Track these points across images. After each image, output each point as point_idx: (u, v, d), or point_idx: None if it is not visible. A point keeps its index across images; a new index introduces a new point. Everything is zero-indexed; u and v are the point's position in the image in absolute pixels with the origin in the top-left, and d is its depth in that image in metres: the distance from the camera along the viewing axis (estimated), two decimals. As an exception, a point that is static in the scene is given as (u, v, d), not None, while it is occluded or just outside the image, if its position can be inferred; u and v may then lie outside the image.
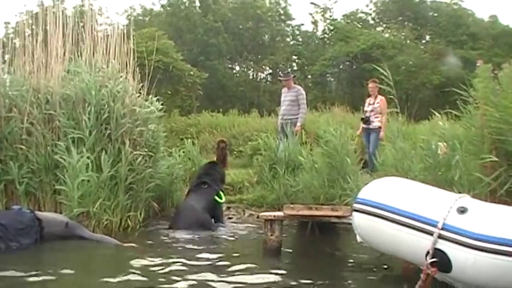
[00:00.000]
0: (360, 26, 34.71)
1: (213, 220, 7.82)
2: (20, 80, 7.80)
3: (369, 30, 33.59)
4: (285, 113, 10.65)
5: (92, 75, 7.57)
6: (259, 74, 36.29)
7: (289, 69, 29.46)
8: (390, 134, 7.13)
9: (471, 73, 5.56)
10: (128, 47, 8.05)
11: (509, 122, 4.72)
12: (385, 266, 5.22)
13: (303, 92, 10.85)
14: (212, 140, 15.33)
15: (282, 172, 8.64)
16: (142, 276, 4.72)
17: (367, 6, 37.12)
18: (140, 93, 8.07)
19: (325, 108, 19.81)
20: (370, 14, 37.37)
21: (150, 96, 8.22)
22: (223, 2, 34.56)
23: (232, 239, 7.02)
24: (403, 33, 33.29)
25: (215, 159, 12.27)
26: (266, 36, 36.08)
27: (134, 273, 4.82)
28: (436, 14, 35.14)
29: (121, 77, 7.88)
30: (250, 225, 8.14)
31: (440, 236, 3.88)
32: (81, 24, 8.25)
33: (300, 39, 37.39)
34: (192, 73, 24.40)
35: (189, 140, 10.51)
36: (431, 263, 3.91)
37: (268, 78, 35.74)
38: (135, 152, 7.38)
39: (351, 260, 5.85)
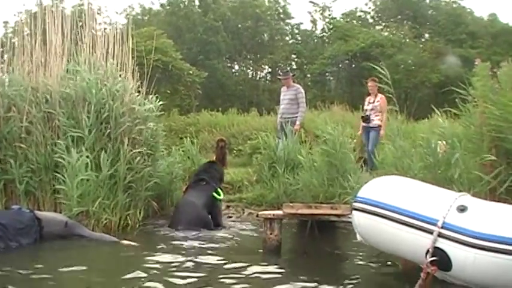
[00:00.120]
0: (359, 25, 34.72)
1: (209, 216, 7.81)
2: (19, 79, 7.79)
3: (368, 29, 33.59)
4: (284, 112, 10.65)
5: (92, 73, 7.57)
6: (259, 73, 36.30)
7: (289, 68, 29.48)
8: (390, 133, 7.13)
9: (470, 72, 5.56)
10: (127, 46, 8.04)
11: (509, 120, 4.73)
12: (389, 263, 5.22)
13: (302, 91, 10.85)
14: (211, 139, 15.33)
15: (281, 171, 8.63)
16: (143, 274, 4.72)
17: (366, 4, 37.17)
18: (139, 91, 8.07)
19: (324, 107, 19.80)
20: (369, 13, 37.39)
21: (150, 96, 8.22)
22: (222, 1, 34.55)
23: (232, 237, 7.02)
24: (402, 32, 33.30)
25: (214, 158, 12.28)
26: (265, 35, 36.09)
27: (134, 271, 4.81)
28: (435, 13, 35.15)
29: (120, 75, 7.87)
30: (249, 224, 8.14)
31: (440, 235, 3.89)
32: (80, 23, 8.24)
33: (299, 38, 37.39)
34: (191, 72, 24.41)
35: (188, 139, 10.49)
36: (431, 261, 3.91)
37: (268, 77, 35.75)
38: (134, 151, 7.38)
39: (351, 259, 5.86)
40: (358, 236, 4.74)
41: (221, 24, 32.74)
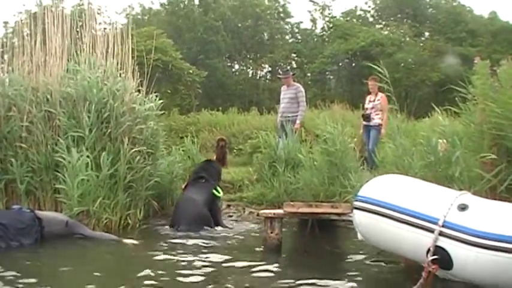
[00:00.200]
0: (359, 24, 34.70)
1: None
2: (19, 79, 7.79)
3: (368, 27, 33.56)
4: (285, 111, 10.64)
5: (92, 73, 7.57)
6: (259, 72, 36.27)
7: (289, 67, 29.46)
8: (390, 131, 7.14)
9: (470, 70, 5.56)
10: (127, 46, 8.05)
11: (510, 118, 4.73)
12: (390, 262, 5.22)
13: (302, 90, 10.84)
14: (212, 139, 15.32)
15: (281, 170, 8.63)
16: (144, 273, 4.72)
17: (366, 3, 37.13)
18: (139, 91, 8.08)
19: (324, 105, 19.76)
20: (369, 12, 37.36)
21: (151, 95, 8.22)
22: (222, 1, 34.54)
23: (233, 236, 7.02)
24: (402, 31, 33.26)
25: (215, 157, 12.30)
26: (265, 34, 36.07)
27: (135, 270, 4.82)
28: (435, 11, 35.13)
29: (120, 75, 7.88)
30: (250, 223, 8.14)
31: (441, 234, 3.89)
32: (80, 23, 8.24)
33: (299, 37, 37.37)
34: (191, 72, 24.40)
35: (189, 139, 10.49)
36: (433, 260, 3.91)
37: (268, 76, 35.72)
38: (134, 150, 7.38)
39: (351, 257, 5.85)
40: (359, 235, 4.75)
41: (221, 24, 32.72)
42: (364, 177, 6.62)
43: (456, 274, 3.93)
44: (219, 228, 7.55)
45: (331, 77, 34.80)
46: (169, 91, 22.26)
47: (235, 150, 14.96)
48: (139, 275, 4.67)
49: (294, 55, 35.82)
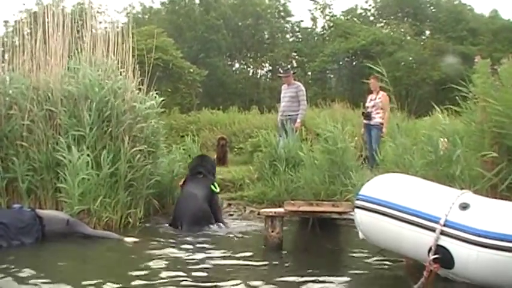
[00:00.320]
0: (359, 22, 34.68)
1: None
2: (20, 77, 7.79)
3: (369, 26, 33.55)
4: (285, 110, 10.63)
5: (93, 71, 7.57)
6: (259, 70, 36.28)
7: (289, 66, 29.44)
8: (390, 130, 7.14)
9: (470, 69, 5.55)
10: (128, 45, 8.04)
11: (511, 116, 4.72)
12: (391, 261, 5.22)
13: (303, 88, 10.83)
14: (212, 137, 15.33)
15: (282, 169, 8.63)
16: (144, 271, 4.72)
17: (366, 2, 37.12)
18: (140, 89, 8.08)
19: (325, 104, 19.76)
20: (370, 10, 37.34)
21: (151, 93, 8.23)
22: (223, 0, 34.55)
23: (233, 235, 7.02)
24: (403, 29, 33.24)
25: (215, 156, 12.31)
26: (265, 33, 36.07)
27: (136, 268, 4.83)
28: (435, 10, 35.12)
29: (121, 73, 7.88)
30: (251, 221, 8.14)
31: (442, 233, 3.89)
32: (81, 22, 8.23)
33: (300, 36, 37.36)
34: (191, 70, 24.41)
35: (189, 138, 10.49)
36: (434, 259, 3.91)
37: (268, 75, 35.72)
38: (134, 149, 7.38)
39: (352, 256, 5.85)
40: (360, 234, 4.75)
41: (222, 23, 32.73)
42: (365, 176, 6.62)
43: (458, 273, 3.92)
44: (218, 224, 7.60)
45: (332, 75, 34.81)
46: (169, 90, 22.28)
47: (235, 149, 14.97)
48: (140, 273, 4.67)
49: (294, 54, 35.82)
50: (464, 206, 3.94)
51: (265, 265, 5.21)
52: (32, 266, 4.86)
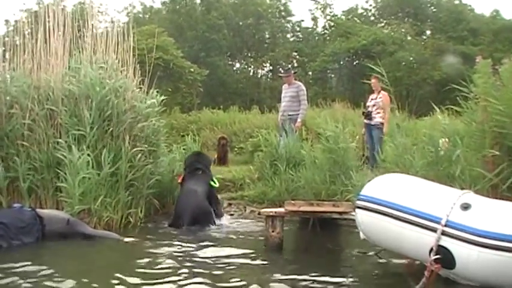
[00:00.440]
0: (360, 22, 34.67)
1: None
2: (21, 77, 7.78)
3: (370, 26, 33.53)
4: (286, 109, 10.62)
5: (94, 70, 7.56)
6: (260, 70, 36.28)
7: (290, 66, 29.43)
8: (391, 130, 7.13)
9: (471, 69, 5.55)
10: (128, 44, 8.04)
11: (512, 116, 4.72)
12: (392, 260, 5.22)
13: (304, 88, 10.82)
14: (213, 137, 15.34)
15: (283, 168, 8.63)
16: (145, 271, 4.72)
17: (366, 2, 37.12)
18: (141, 88, 8.08)
19: (325, 104, 19.76)
20: (370, 10, 37.33)
21: (151, 91, 8.23)
22: (224, 0, 34.56)
23: (234, 235, 7.02)
24: (404, 29, 33.23)
25: (216, 156, 12.31)
26: (266, 33, 36.07)
27: (136, 268, 4.82)
28: (436, 10, 35.11)
29: (121, 72, 7.87)
30: (251, 221, 8.14)
31: (443, 233, 3.89)
32: (81, 21, 8.23)
33: (300, 36, 37.35)
34: (192, 70, 24.41)
35: (190, 137, 10.48)
36: (435, 259, 3.91)
37: (269, 75, 35.71)
38: (135, 149, 7.38)
39: (353, 256, 5.85)
40: (361, 234, 4.74)
41: (223, 23, 32.74)
42: (366, 176, 6.61)
43: (459, 273, 3.92)
44: (218, 219, 7.68)
45: (333, 75, 34.79)
46: (170, 89, 22.26)
47: (236, 149, 14.97)
48: (140, 273, 4.66)
49: (295, 54, 35.80)
50: (465, 207, 3.93)
51: (265, 265, 5.21)
52: (31, 266, 4.86)
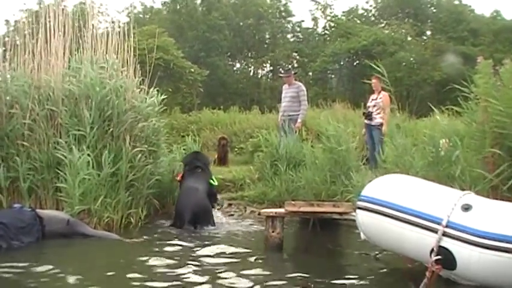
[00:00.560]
0: (360, 22, 34.68)
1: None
2: (21, 77, 7.78)
3: (370, 26, 33.54)
4: (286, 110, 10.62)
5: (94, 71, 7.56)
6: (260, 70, 36.28)
7: (290, 66, 29.43)
8: (390, 131, 7.13)
9: (472, 69, 5.54)
10: (129, 45, 8.04)
11: (513, 116, 4.72)
12: (393, 261, 5.21)
13: (304, 89, 10.81)
14: (213, 137, 15.33)
15: (283, 169, 8.62)
16: (145, 272, 4.72)
17: (367, 2, 37.13)
18: (141, 89, 8.07)
19: (326, 104, 19.75)
20: (371, 11, 37.35)
21: (151, 90, 8.23)
22: (224, 0, 34.57)
23: (234, 235, 7.02)
24: (404, 30, 33.23)
25: (216, 156, 12.30)
26: (267, 33, 36.07)
27: (136, 269, 4.82)
28: (436, 10, 35.12)
29: (122, 72, 7.87)
30: (251, 222, 8.14)
31: (444, 234, 3.88)
32: (82, 22, 8.22)
33: (301, 36, 37.36)
34: (192, 70, 24.42)
35: (190, 137, 10.47)
36: (436, 260, 3.90)
37: (269, 75, 35.72)
38: (136, 149, 7.37)
39: (353, 256, 5.85)
40: (362, 235, 4.74)
41: (224, 23, 32.76)
42: (366, 176, 6.61)
43: (460, 274, 3.92)
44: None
45: (333, 76, 34.80)
46: (170, 90, 22.26)
47: (236, 149, 14.97)
48: (140, 274, 4.66)
49: (295, 54, 35.81)
50: (466, 208, 3.93)
51: (265, 265, 5.20)
52: (32, 266, 4.86)
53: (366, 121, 10.72)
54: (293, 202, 6.14)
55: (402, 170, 5.53)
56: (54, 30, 7.89)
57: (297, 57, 35.76)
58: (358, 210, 4.61)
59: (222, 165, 12.13)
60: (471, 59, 19.88)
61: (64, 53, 7.93)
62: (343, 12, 36.45)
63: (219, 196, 9.03)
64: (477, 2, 61.85)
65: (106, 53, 7.93)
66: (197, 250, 5.85)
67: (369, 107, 10.78)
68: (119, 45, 7.96)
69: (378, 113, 10.46)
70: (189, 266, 5.07)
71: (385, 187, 4.53)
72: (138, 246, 6.14)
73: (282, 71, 12.29)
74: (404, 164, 5.74)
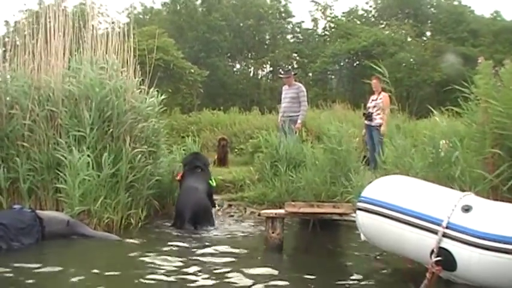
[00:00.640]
0: (360, 23, 34.71)
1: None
2: (21, 77, 7.78)
3: (370, 27, 33.57)
4: (286, 110, 10.63)
5: (94, 71, 7.56)
6: (260, 71, 36.30)
7: (290, 67, 29.44)
8: (389, 132, 7.13)
9: (472, 70, 5.54)
10: (129, 45, 8.04)
11: (513, 117, 4.71)
12: (393, 262, 5.21)
13: (304, 89, 10.82)
14: (213, 138, 15.35)
15: (283, 169, 8.62)
16: (145, 273, 4.71)
17: (367, 3, 37.16)
18: (141, 89, 8.07)
19: (326, 105, 19.78)
20: (371, 11, 37.37)
21: (151, 90, 8.23)
22: (224, 1, 34.58)
23: (234, 236, 7.01)
24: (404, 30, 33.25)
25: (216, 157, 12.30)
26: (267, 34, 36.09)
27: (137, 270, 4.82)
28: (436, 11, 35.14)
29: (122, 73, 7.87)
30: (251, 222, 8.13)
31: (444, 235, 3.88)
32: (82, 22, 8.22)
33: (301, 37, 37.38)
34: (192, 71, 24.44)
35: (190, 138, 10.47)
36: (436, 261, 3.90)
37: (269, 76, 35.74)
38: (136, 150, 7.37)
39: (353, 257, 5.84)
40: (362, 236, 4.74)
41: (224, 24, 32.78)
42: (366, 177, 6.61)
43: (460, 275, 3.91)
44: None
45: (333, 76, 34.85)
46: (170, 90, 22.28)
47: (236, 150, 14.98)
48: (140, 274, 4.66)
49: (295, 55, 35.87)
50: (466, 209, 3.92)
51: (265, 266, 5.19)
52: (31, 267, 4.85)
53: (366, 122, 10.73)
54: (293, 203, 6.13)
55: (402, 171, 5.53)
56: (54, 30, 7.89)
57: (297, 58, 35.82)
58: (358, 212, 4.60)
59: (222, 166, 12.13)
60: (471, 59, 19.91)
61: (64, 54, 7.92)
62: (343, 13, 36.58)
63: (219, 197, 9.04)
64: (477, 3, 61.92)
65: (106, 53, 7.93)
66: (197, 251, 5.85)
67: (369, 107, 10.78)
68: (118, 46, 7.95)
69: (378, 114, 10.47)
70: (189, 266, 5.06)
71: (385, 188, 4.53)
72: (138, 246, 6.13)
73: (282, 72, 12.27)
74: (404, 165, 5.74)
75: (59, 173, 7.06)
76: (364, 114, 10.91)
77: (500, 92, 4.98)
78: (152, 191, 7.88)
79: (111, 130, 7.35)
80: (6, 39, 8.67)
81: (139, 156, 7.43)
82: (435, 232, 3.92)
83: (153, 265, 5.09)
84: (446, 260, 3.86)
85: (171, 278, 4.60)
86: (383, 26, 35.62)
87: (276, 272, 4.93)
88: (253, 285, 4.44)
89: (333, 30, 35.12)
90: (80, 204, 6.78)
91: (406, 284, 4.53)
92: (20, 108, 7.48)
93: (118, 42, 7.95)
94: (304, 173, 8.05)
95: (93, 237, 6.44)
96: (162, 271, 4.86)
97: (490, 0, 56.33)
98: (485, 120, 4.97)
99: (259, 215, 7.73)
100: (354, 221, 4.97)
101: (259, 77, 36.09)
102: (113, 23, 14.51)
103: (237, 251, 5.95)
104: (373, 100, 10.72)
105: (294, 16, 36.97)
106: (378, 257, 5.45)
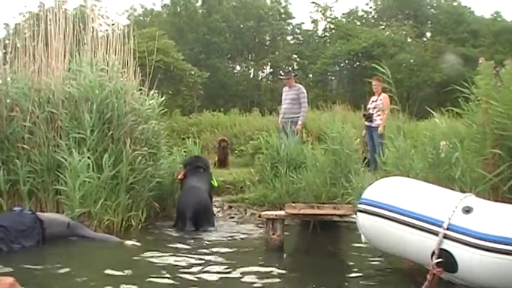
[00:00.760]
0: (360, 24, 34.73)
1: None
2: (22, 79, 7.78)
3: (370, 28, 33.58)
4: (286, 112, 10.63)
5: (94, 73, 7.56)
6: (260, 73, 36.32)
7: (290, 68, 29.45)
8: (390, 133, 7.12)
9: (472, 71, 5.53)
10: (129, 47, 8.04)
11: (513, 118, 4.71)
12: (393, 264, 5.20)
13: (304, 91, 10.83)
14: (213, 140, 15.34)
15: (283, 171, 8.62)
16: (146, 275, 4.71)
17: (367, 4, 37.19)
18: (141, 91, 8.08)
19: (326, 106, 19.77)
20: (371, 12, 37.39)
21: (151, 92, 8.23)
22: (225, 2, 34.61)
23: (234, 238, 7.01)
24: (404, 31, 33.27)
25: (216, 158, 12.31)
26: (267, 36, 36.12)
27: (137, 271, 4.82)
28: (436, 11, 35.16)
29: (122, 75, 7.87)
30: (251, 224, 8.13)
31: (445, 236, 3.87)
32: (82, 25, 8.22)
33: (301, 38, 37.41)
34: (193, 73, 24.45)
35: (191, 140, 10.47)
36: (437, 263, 3.89)
37: (269, 77, 35.76)
38: (136, 152, 7.37)
39: (354, 259, 5.83)
40: (362, 238, 4.73)
41: (225, 25, 32.82)
42: (367, 179, 6.60)
43: (461, 277, 3.90)
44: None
45: (333, 77, 34.87)
46: (171, 92, 22.30)
47: (236, 151, 14.98)
48: (141, 276, 4.65)
49: (295, 56, 35.89)
50: (467, 210, 3.92)
51: (265, 267, 5.19)
52: (32, 268, 4.85)
53: (366, 123, 10.73)
54: (293, 204, 6.12)
55: (402, 172, 5.52)
56: (54, 33, 7.89)
57: (297, 59, 35.85)
58: (358, 213, 4.60)
59: (222, 167, 12.13)
60: (471, 60, 19.94)
61: (64, 56, 7.93)
62: (343, 14, 36.61)
63: (219, 198, 9.04)
64: (477, 3, 61.93)
65: (107, 55, 7.93)
66: (197, 253, 5.84)
67: (369, 108, 10.79)
68: (119, 48, 7.96)
69: (378, 115, 10.47)
70: (189, 267, 5.06)
71: (386, 190, 4.52)
72: (139, 249, 6.12)
73: (282, 73, 12.25)
74: (404, 166, 5.73)
75: (59, 175, 7.06)
76: (364, 115, 10.91)
77: (501, 92, 4.98)
78: (152, 193, 7.89)
79: (111, 132, 7.35)
80: (7, 42, 8.67)
81: (140, 158, 7.43)
82: (436, 234, 3.91)
83: (152, 267, 5.08)
84: (447, 261, 3.86)
85: (170, 281, 4.59)
86: (383, 27, 35.64)
87: (276, 273, 4.93)
88: (253, 285, 4.44)
89: (333, 31, 35.14)
90: (80, 206, 6.78)
91: (407, 285, 4.52)
92: (20, 110, 7.48)
93: (118, 44, 7.96)
94: (304, 174, 8.06)
95: (93, 239, 6.44)
96: (162, 271, 4.85)
97: (490, 1, 56.35)
98: (485, 121, 4.97)
99: (259, 216, 7.71)
100: (355, 222, 4.96)
101: (260, 79, 36.12)
102: (113, 25, 14.52)
103: (237, 252, 5.94)
104: (373, 101, 10.72)
105: (294, 17, 37.07)
106: (379, 259, 5.44)
